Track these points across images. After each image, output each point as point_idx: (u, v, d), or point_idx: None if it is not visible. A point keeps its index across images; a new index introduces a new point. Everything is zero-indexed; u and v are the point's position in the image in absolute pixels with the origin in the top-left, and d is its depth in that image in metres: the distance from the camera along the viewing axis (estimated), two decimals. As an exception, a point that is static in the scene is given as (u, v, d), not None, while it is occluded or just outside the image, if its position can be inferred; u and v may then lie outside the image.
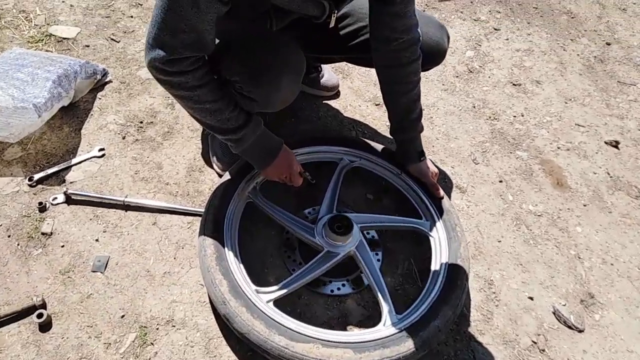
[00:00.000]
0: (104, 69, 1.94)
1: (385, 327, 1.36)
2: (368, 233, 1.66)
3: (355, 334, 1.33)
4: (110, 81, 1.95)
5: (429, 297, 1.42)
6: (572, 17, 2.81)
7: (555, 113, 2.25)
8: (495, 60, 2.46)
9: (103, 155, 1.73)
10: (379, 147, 1.77)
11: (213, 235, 1.43)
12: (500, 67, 2.43)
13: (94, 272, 1.47)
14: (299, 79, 1.45)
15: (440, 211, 1.63)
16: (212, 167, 1.74)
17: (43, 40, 2.10)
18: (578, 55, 2.56)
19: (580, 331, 1.56)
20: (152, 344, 1.37)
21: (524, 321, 1.57)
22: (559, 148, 2.11)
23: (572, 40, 2.65)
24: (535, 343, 1.53)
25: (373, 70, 2.31)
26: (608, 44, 2.65)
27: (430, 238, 1.60)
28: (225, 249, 1.42)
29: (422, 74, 1.57)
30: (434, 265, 1.53)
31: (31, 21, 2.19)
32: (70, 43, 2.11)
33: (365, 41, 1.58)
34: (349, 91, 2.16)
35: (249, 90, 1.36)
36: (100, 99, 1.90)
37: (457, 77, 2.33)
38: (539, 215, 1.86)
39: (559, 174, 2.01)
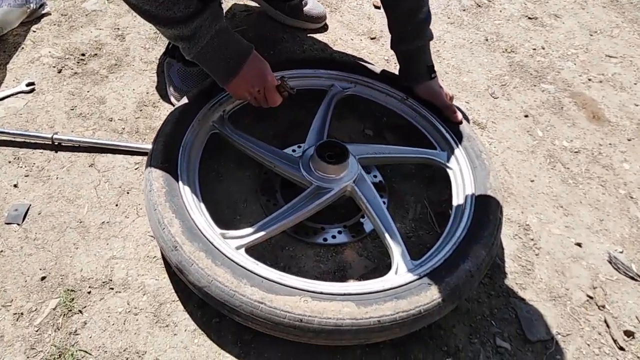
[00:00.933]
0: None
1: (398, 275, 1.00)
2: (369, 172, 1.31)
3: (357, 284, 0.97)
4: (48, 13, 1.61)
5: (454, 237, 1.06)
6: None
7: (580, 45, 1.92)
8: (505, -6, 2.13)
9: (32, 90, 1.37)
10: (377, 69, 1.43)
11: (162, 166, 1.07)
12: (512, 1, 2.10)
13: (7, 224, 1.11)
14: None
15: (460, 138, 1.28)
16: (168, 101, 1.39)
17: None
18: (598, -11, 2.24)
19: (649, 281, 1.21)
20: (80, 312, 1.00)
21: (573, 272, 1.22)
22: (590, 80, 1.77)
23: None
24: (591, 298, 1.18)
25: (365, 4, 2.00)
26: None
27: (449, 171, 1.24)
28: (180, 183, 1.06)
29: None
30: (457, 201, 1.18)
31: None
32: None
33: None
34: (339, 25, 1.83)
35: None
36: (34, 31, 1.55)
37: (464, 10, 2.00)
38: (576, 152, 1.52)
39: (594, 107, 1.67)
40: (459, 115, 1.31)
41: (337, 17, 1.85)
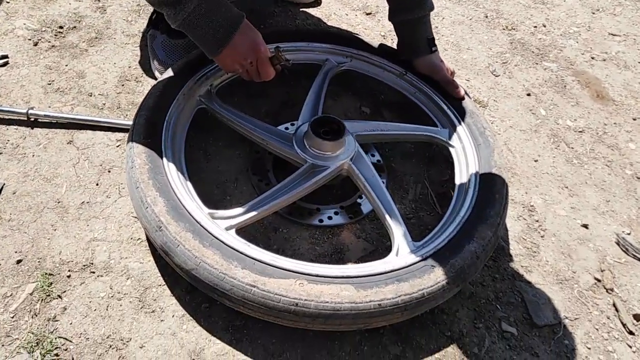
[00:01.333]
0: (16, -30, 1.50)
1: (399, 257, 0.94)
2: (367, 152, 1.23)
3: (356, 267, 0.91)
4: (24, -16, 1.51)
5: (457, 216, 1.00)
6: None
7: (582, 24, 1.86)
8: (505, -28, 2.06)
9: (6, 63, 1.28)
10: (374, 42, 1.36)
11: (145, 142, 0.99)
12: (512, -22, 2.03)
13: (-21, 205, 1.03)
14: None
15: (462, 114, 1.21)
16: (152, 75, 1.31)
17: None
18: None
19: (658, 263, 1.16)
20: (59, 296, 0.93)
21: (580, 254, 1.17)
22: (592, 58, 1.71)
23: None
24: (599, 281, 1.13)
25: (361, -20, 1.92)
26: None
27: (451, 149, 1.18)
28: (164, 159, 0.99)
29: None
30: (460, 179, 1.11)
31: None
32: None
33: None
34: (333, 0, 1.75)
35: None
36: (8, 2, 1.45)
37: (462, -13, 1.93)
38: (580, 132, 1.46)
39: (598, 86, 1.61)
40: (461, 91, 1.24)
41: (331, -8, 1.77)
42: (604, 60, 1.72)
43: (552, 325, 1.03)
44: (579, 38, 1.79)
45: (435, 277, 0.88)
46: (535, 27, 1.81)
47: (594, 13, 1.93)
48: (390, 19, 1.28)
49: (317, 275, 0.85)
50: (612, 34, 1.83)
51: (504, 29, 1.77)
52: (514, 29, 1.78)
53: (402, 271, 0.89)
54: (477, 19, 1.79)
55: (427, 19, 1.25)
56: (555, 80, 1.61)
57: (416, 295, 0.85)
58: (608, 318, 1.06)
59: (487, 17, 1.81)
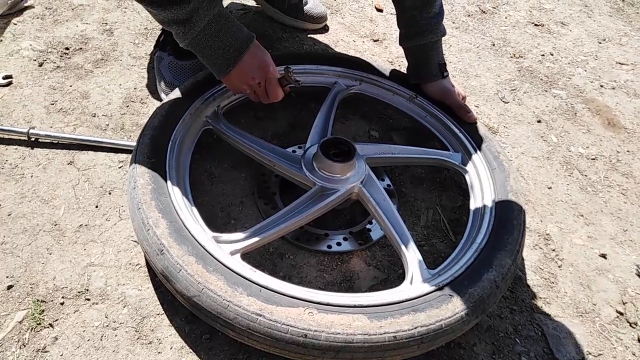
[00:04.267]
0: (22, -8, 1.49)
1: (414, 286, 0.89)
2: (377, 177, 1.20)
3: (368, 295, 0.86)
4: (31, 6, 1.50)
5: (474, 243, 0.95)
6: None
7: (589, 52, 1.85)
8: (510, 2, 2.07)
9: (9, 83, 1.26)
10: (383, 66, 1.34)
11: (149, 162, 0.95)
12: (517, 9, 2.04)
13: (-28, 226, 0.98)
14: None
15: (475, 138, 1.18)
16: (158, 97, 1.28)
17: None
18: (603, -1, 2.20)
19: (684, 295, 1.10)
20: (50, 325, 0.87)
21: (599, 286, 1.11)
22: (601, 86, 1.69)
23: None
24: (621, 314, 1.07)
25: (367, 7, 1.92)
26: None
27: (464, 173, 1.14)
28: (168, 180, 0.95)
29: None
30: (475, 205, 1.07)
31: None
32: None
33: None
34: (340, 27, 1.74)
35: None
36: (15, 24, 1.44)
37: (468, 16, 1.93)
38: (593, 159, 1.42)
39: (609, 114, 1.59)
40: (474, 115, 1.21)
41: (338, 19, 1.77)
42: (613, 88, 1.70)
43: (575, 361, 0.97)
44: (587, 66, 1.78)
45: (453, 307, 0.82)
46: (543, 55, 1.80)
47: (600, 43, 1.92)
48: (401, 43, 1.26)
49: (327, 304, 0.80)
50: (620, 63, 1.82)
51: (511, 57, 1.76)
52: (522, 57, 1.77)
53: (417, 301, 0.83)
54: (484, 47, 1.78)
55: (439, 44, 1.23)
56: (565, 107, 1.58)
57: (433, 327, 0.80)
58: (634, 354, 1.00)
59: (494, 45, 1.80)
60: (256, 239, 0.92)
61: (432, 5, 1.18)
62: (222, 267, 0.82)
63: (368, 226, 1.11)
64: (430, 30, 1.20)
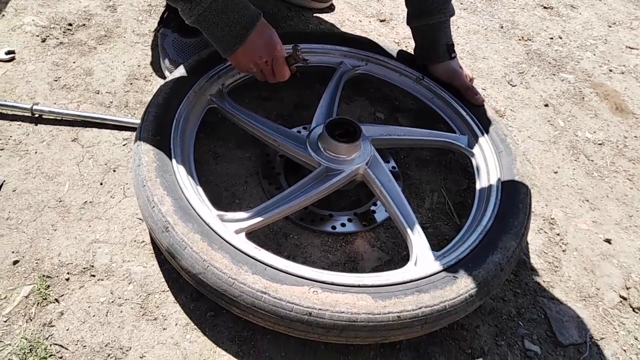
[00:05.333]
0: (26, -32, 1.47)
1: (418, 267, 0.89)
2: (382, 158, 1.19)
3: (373, 276, 0.85)
4: (34, -19, 1.48)
5: (479, 226, 0.95)
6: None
7: (598, 36, 1.83)
8: (520, -16, 2.03)
9: (12, 59, 1.25)
10: (390, 46, 1.32)
11: (153, 139, 0.95)
12: (527, -10, 2.01)
13: (-24, 201, 0.98)
14: None
15: (482, 121, 1.17)
16: (162, 75, 1.27)
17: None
18: (614, -18, 2.16)
19: (687, 281, 1.10)
20: (56, 300, 0.87)
21: (604, 270, 1.11)
22: (610, 71, 1.67)
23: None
24: (625, 299, 1.07)
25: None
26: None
27: (471, 156, 1.13)
28: (173, 158, 0.94)
29: None
30: (480, 187, 1.07)
31: None
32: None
33: None
34: (346, 6, 1.72)
35: None
36: (17, -1, 1.43)
37: (476, -3, 1.90)
38: (600, 144, 1.41)
39: (617, 99, 1.57)
40: (481, 97, 1.20)
41: (344, -1, 1.75)
42: (622, 73, 1.68)
43: (578, 344, 0.97)
44: (595, 50, 1.76)
45: (457, 288, 0.82)
46: (552, 38, 1.78)
47: (610, 26, 1.89)
48: (408, 23, 1.25)
49: (332, 284, 0.80)
50: (629, 47, 1.79)
51: (519, 40, 1.74)
52: (530, 40, 1.75)
53: (422, 281, 0.83)
54: (492, 29, 1.76)
55: (447, 24, 1.21)
56: (573, 91, 1.57)
57: (438, 307, 0.80)
58: (636, 339, 1.00)
59: (502, 27, 1.78)
60: (260, 218, 0.92)
61: None
62: (227, 245, 0.82)
63: (373, 208, 1.11)
64: (439, 9, 1.18)
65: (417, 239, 0.93)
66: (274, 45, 1.02)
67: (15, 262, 0.92)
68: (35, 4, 1.42)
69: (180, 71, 1.10)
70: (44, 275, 0.90)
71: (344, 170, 1.02)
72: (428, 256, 0.90)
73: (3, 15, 1.36)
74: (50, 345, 0.83)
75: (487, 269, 0.86)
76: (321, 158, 1.02)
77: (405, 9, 1.25)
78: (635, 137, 1.46)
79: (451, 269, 0.85)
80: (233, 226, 0.89)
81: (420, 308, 0.79)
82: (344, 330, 0.77)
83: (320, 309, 0.76)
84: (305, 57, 1.05)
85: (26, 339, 0.83)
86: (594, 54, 1.74)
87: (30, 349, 0.82)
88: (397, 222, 0.98)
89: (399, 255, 1.04)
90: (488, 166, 1.08)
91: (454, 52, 1.23)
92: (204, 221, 0.85)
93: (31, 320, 0.85)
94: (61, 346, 0.83)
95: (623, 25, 1.91)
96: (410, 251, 0.93)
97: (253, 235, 0.98)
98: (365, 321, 0.77)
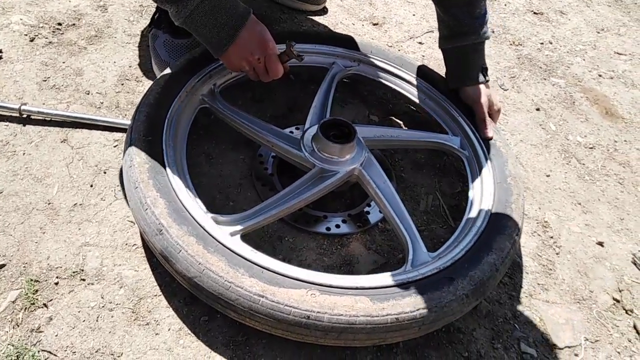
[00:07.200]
0: (14, -34, 1.44)
1: (415, 268, 0.88)
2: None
3: (370, 277, 0.84)
4: (21, -20, 1.46)
5: (473, 227, 0.95)
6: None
7: (587, 42, 1.85)
8: (509, -11, 2.05)
9: (0, 58, 1.22)
10: (382, 46, 1.32)
11: (145, 140, 0.93)
12: (516, -4, 2.03)
13: (-38, 203, 0.95)
14: None
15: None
16: (153, 76, 1.25)
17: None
18: (602, -11, 2.19)
19: (679, 283, 1.11)
20: (44, 305, 0.85)
21: (597, 273, 1.11)
22: (600, 76, 1.69)
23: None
24: (617, 301, 1.07)
25: (366, -9, 1.89)
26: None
27: (463, 157, 1.13)
28: (165, 159, 0.92)
29: None
30: (474, 190, 1.06)
31: None
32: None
33: None
34: (339, 9, 1.72)
35: None
36: (5, -3, 1.40)
37: (467, 2, 1.91)
38: (590, 148, 1.43)
39: (607, 103, 1.59)
40: (490, 133, 1.14)
41: (337, 1, 1.74)
42: (612, 78, 1.70)
43: (573, 347, 0.97)
44: (585, 56, 1.78)
45: (454, 289, 0.82)
46: (542, 43, 1.79)
47: (599, 32, 1.92)
48: (441, 46, 1.21)
49: (329, 286, 0.79)
50: (618, 53, 1.82)
51: (510, 44, 1.75)
52: (521, 45, 1.76)
53: (419, 283, 0.82)
54: (483, 34, 1.77)
55: (482, 47, 1.18)
56: (564, 96, 1.58)
57: (435, 308, 0.79)
58: (629, 341, 1.01)
59: (493, 32, 1.79)
60: (256, 220, 0.90)
61: (477, 7, 1.13)
62: (223, 248, 0.81)
63: (366, 209, 1.10)
64: (475, 31, 1.15)
65: (413, 241, 0.92)
66: (266, 41, 1.00)
67: (2, 266, 0.89)
68: (23, 2, 1.39)
69: (172, 70, 1.09)
70: (32, 280, 0.88)
71: (339, 172, 1.01)
72: (424, 257, 0.90)
73: (-10, 14, 1.34)
74: (39, 351, 0.80)
75: (482, 270, 0.85)
76: (316, 159, 1.01)
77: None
78: (625, 141, 1.47)
79: (447, 270, 0.85)
80: (228, 229, 0.87)
81: (418, 310, 0.78)
82: (342, 333, 0.76)
83: (318, 312, 0.75)
84: (300, 54, 1.03)
85: (13, 346, 0.80)
86: (584, 59, 1.76)
87: (17, 356, 0.79)
88: (393, 224, 0.97)
89: (394, 258, 1.03)
90: (481, 167, 1.08)
91: (487, 75, 1.19)
92: (198, 224, 0.83)
93: (18, 326, 0.82)
94: (50, 352, 0.81)
95: (611, 32, 1.93)
96: (407, 252, 0.92)
97: (247, 237, 0.96)
98: (363, 323, 0.76)
